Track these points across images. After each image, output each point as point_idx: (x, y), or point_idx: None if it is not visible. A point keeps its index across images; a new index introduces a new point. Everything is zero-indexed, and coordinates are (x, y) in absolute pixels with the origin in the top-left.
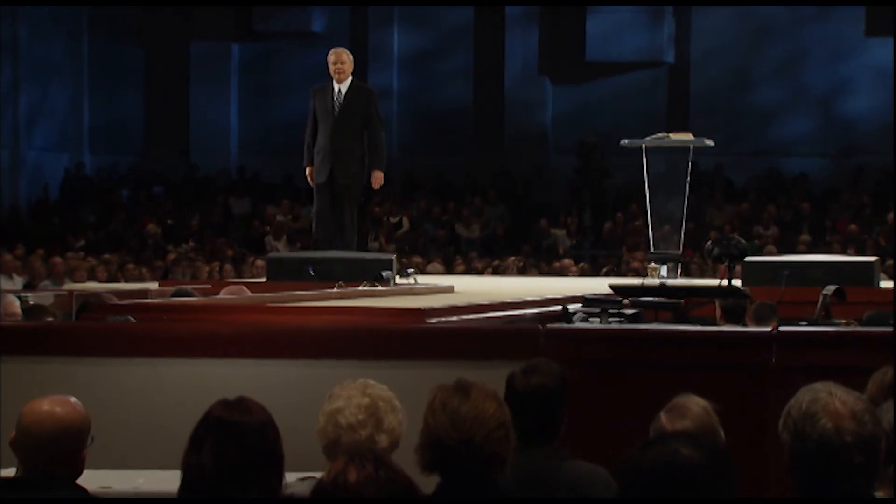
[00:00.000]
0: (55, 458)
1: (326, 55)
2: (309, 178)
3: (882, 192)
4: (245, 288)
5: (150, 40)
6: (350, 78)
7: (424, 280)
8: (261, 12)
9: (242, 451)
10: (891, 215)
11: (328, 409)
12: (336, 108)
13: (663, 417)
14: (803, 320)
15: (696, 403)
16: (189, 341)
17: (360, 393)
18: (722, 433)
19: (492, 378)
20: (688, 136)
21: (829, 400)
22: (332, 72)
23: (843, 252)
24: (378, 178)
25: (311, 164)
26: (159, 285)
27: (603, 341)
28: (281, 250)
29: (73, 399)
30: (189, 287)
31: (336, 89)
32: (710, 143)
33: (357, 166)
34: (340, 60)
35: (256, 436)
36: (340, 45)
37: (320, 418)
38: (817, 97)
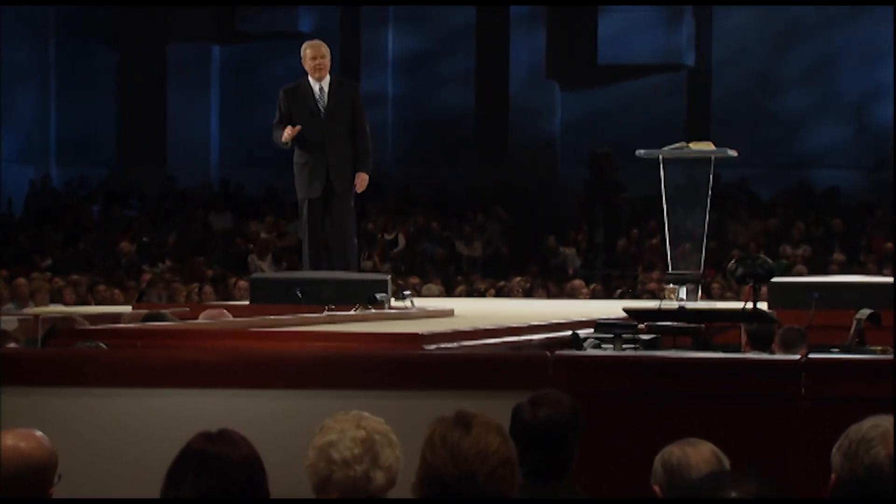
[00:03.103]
0: (19, 496)
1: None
2: (287, 134)
3: None
4: (226, 312)
5: (123, 42)
6: (328, 74)
7: (422, 303)
8: (244, 11)
9: (225, 486)
10: None
11: (319, 442)
12: (322, 109)
13: (677, 450)
14: (835, 347)
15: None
16: (166, 370)
17: (354, 426)
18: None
19: (496, 410)
20: (709, 147)
21: (892, 430)
22: (310, 68)
23: (879, 272)
24: (363, 181)
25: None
26: (133, 309)
27: (617, 370)
28: (265, 270)
29: (39, 433)
30: (165, 311)
31: (317, 87)
32: (733, 153)
33: (352, 173)
34: (320, 55)
35: (241, 470)
36: (330, 47)
37: (310, 453)
38: (850, 104)
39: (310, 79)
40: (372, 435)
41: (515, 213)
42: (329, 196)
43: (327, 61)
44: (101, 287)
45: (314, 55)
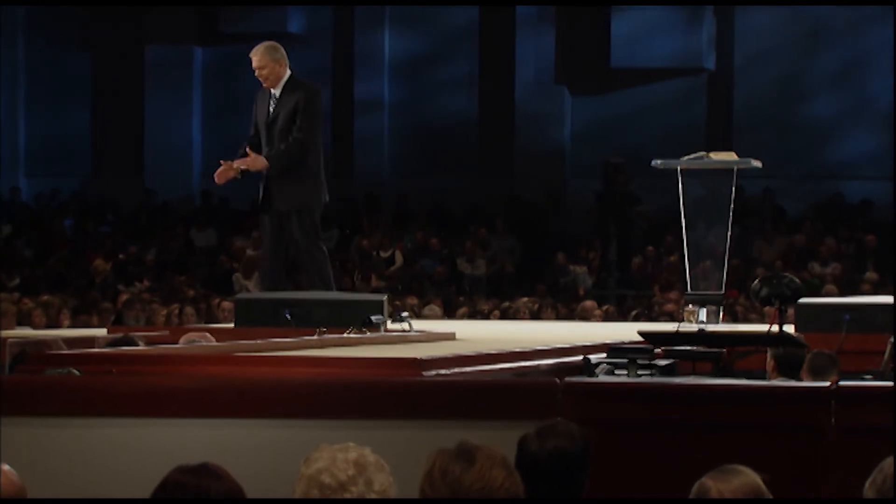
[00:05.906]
0: None
1: (306, 61)
2: (218, 177)
3: None
4: (209, 335)
5: (97, 44)
6: (287, 73)
7: (421, 325)
8: (228, 11)
9: None
10: None
11: (308, 472)
12: (269, 115)
13: (709, 482)
14: (868, 373)
15: (746, 470)
16: (144, 398)
17: (342, 451)
18: None
19: (500, 441)
20: (731, 156)
21: None
22: None
23: None
24: (255, 161)
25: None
26: (108, 332)
27: (631, 398)
28: (251, 290)
29: (7, 467)
30: (142, 334)
31: (274, 92)
32: (757, 164)
33: (298, 186)
34: (256, 66)
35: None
36: (318, 49)
37: (297, 487)
38: (882, 110)
39: None
40: (364, 459)
41: (521, 229)
42: (270, 208)
43: (266, 72)
44: (75, 309)
45: (253, 67)
